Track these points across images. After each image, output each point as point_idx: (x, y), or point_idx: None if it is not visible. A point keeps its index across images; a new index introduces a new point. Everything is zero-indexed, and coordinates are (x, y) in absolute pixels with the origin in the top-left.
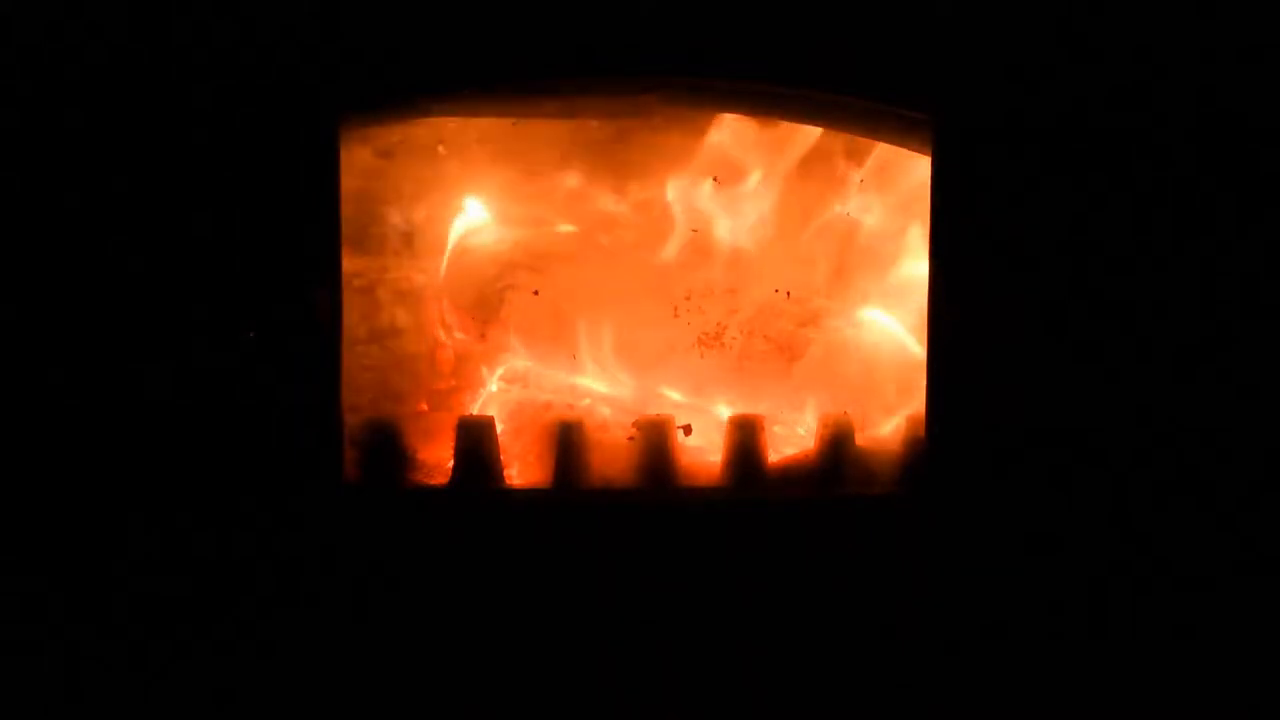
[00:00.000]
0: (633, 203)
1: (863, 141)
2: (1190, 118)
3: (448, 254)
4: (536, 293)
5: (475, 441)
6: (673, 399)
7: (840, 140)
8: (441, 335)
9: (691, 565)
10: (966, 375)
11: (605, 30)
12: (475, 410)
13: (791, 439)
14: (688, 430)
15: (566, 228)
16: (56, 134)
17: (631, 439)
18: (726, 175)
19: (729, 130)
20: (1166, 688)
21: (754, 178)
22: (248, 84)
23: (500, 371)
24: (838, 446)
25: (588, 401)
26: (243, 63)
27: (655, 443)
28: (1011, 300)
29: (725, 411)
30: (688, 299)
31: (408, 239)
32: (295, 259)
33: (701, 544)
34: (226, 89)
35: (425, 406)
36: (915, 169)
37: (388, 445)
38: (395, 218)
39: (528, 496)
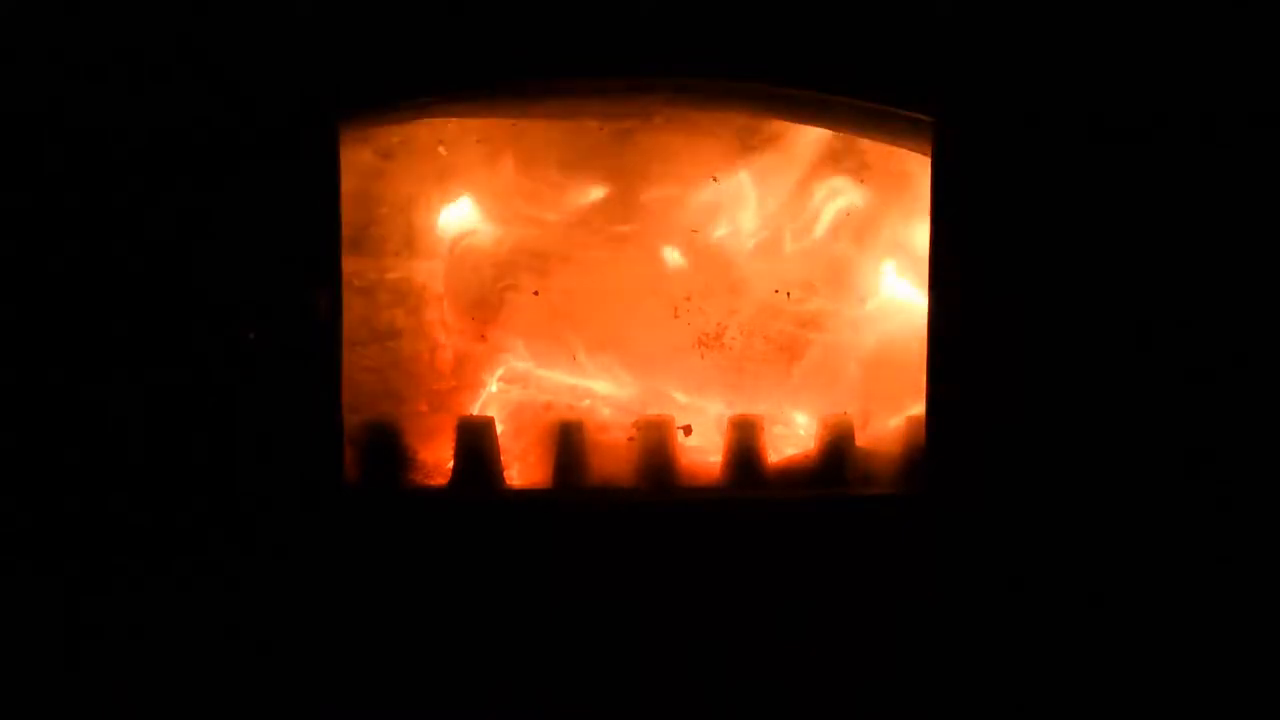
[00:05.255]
0: (633, 203)
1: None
2: (1194, 117)
3: (448, 254)
4: (536, 293)
5: (475, 442)
6: (673, 399)
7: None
8: (441, 336)
9: (691, 565)
10: (967, 375)
11: (605, 30)
12: (475, 411)
13: (792, 439)
14: (688, 431)
15: (566, 228)
16: (56, 134)
17: (632, 439)
18: (727, 175)
19: (729, 130)
20: (1168, 688)
21: (755, 177)
22: (247, 83)
23: (500, 372)
24: (838, 447)
25: (588, 402)
26: (242, 62)
27: (655, 443)
28: (1012, 300)
29: (725, 412)
30: (688, 299)
31: (408, 239)
32: (295, 259)
33: (701, 544)
34: (226, 88)
35: (425, 407)
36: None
37: (387, 446)
38: (395, 218)
39: (528, 497)
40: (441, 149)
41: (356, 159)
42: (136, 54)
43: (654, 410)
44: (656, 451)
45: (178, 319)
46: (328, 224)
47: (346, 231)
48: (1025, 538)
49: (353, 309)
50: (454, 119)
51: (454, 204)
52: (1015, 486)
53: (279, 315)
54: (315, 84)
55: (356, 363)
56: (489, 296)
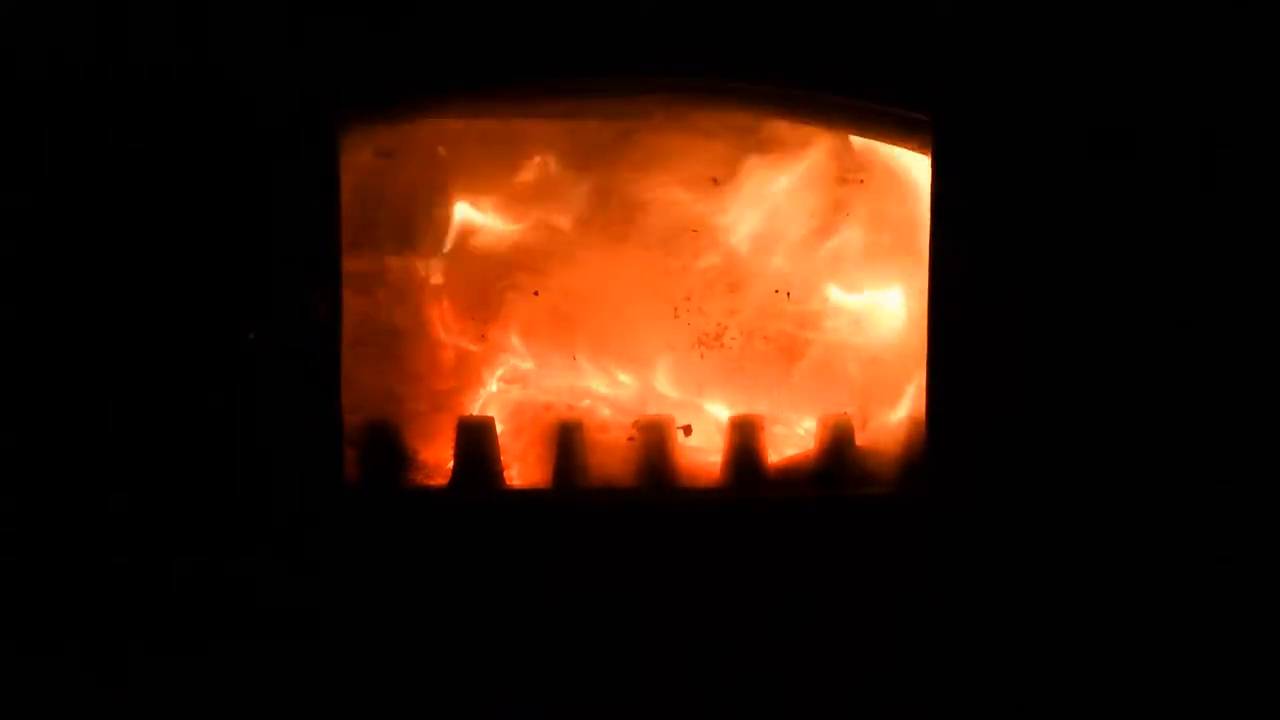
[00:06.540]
0: (633, 203)
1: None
2: (1192, 117)
3: (448, 254)
4: (537, 293)
5: (475, 442)
6: (673, 399)
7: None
8: (442, 336)
9: (691, 565)
10: (967, 375)
11: (605, 30)
12: (475, 411)
13: (792, 439)
14: (687, 431)
15: (566, 228)
16: (56, 134)
17: (631, 439)
18: (727, 175)
19: (729, 130)
20: (1168, 688)
21: (754, 177)
22: (247, 83)
23: (500, 372)
24: (838, 447)
25: (588, 402)
26: (242, 63)
27: (655, 443)
28: (1012, 300)
29: (725, 412)
30: (688, 299)
31: (407, 239)
32: (295, 259)
33: (701, 544)
34: (226, 88)
35: (425, 407)
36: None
37: (388, 446)
38: (395, 218)
39: (528, 497)
40: (441, 149)
41: (356, 159)
42: (137, 54)
43: (654, 410)
44: (656, 451)
45: (177, 319)
46: (328, 224)
47: (346, 231)
48: (1024, 538)
49: (352, 309)
50: (454, 119)
51: (454, 204)
52: (1014, 487)
53: (279, 315)
54: (315, 84)
55: (356, 363)
56: (489, 296)
